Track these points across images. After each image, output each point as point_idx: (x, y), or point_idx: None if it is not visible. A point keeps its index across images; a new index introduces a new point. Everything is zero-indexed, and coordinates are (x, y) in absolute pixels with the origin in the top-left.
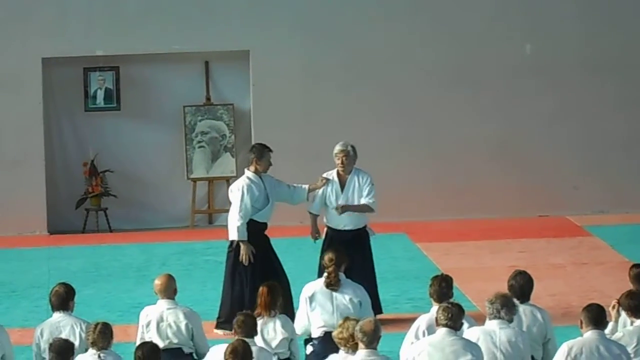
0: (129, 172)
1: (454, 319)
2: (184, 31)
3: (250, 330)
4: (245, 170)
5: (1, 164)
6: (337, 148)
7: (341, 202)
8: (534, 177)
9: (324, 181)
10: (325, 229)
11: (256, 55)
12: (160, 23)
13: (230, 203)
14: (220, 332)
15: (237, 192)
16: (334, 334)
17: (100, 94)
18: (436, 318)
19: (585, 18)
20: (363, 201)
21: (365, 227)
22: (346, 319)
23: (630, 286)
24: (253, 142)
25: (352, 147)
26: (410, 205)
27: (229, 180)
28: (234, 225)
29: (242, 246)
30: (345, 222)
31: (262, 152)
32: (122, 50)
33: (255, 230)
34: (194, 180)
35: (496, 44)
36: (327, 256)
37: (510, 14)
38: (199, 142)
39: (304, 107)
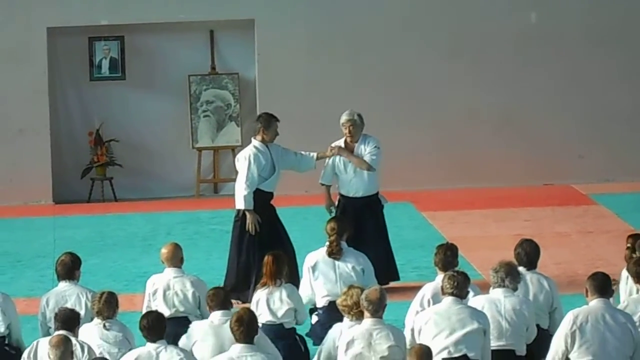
0: (134, 141)
1: (460, 287)
2: (189, 0)
3: (223, 303)
4: (252, 139)
5: (7, 134)
6: (344, 118)
7: (350, 169)
8: (539, 146)
9: (334, 150)
10: (338, 197)
11: (261, 24)
12: None
13: (236, 172)
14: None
15: (243, 161)
16: (337, 301)
17: (106, 64)
18: (442, 287)
19: None
20: (365, 158)
21: (377, 194)
22: (350, 286)
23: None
24: (258, 112)
25: (359, 115)
26: (416, 174)
27: (234, 150)
28: (240, 194)
29: (248, 215)
30: (357, 189)
31: (269, 122)
32: (127, 20)
33: (261, 199)
34: (199, 149)
35: (503, 13)
36: (329, 225)
37: None
38: (204, 111)
39: (309, 77)
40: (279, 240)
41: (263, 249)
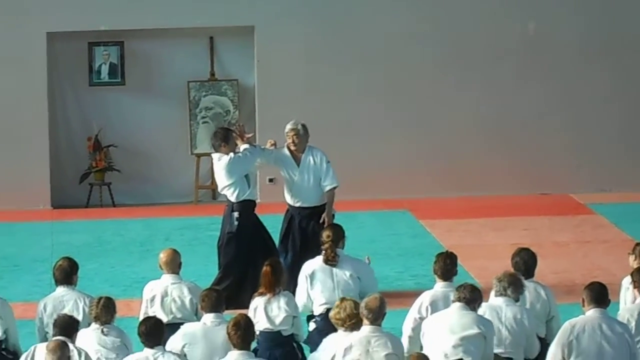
0: (133, 147)
1: (468, 295)
2: (189, 6)
3: (215, 305)
4: (213, 155)
5: (5, 138)
6: (288, 127)
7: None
8: (537, 154)
9: (272, 143)
10: (287, 207)
11: (261, 31)
12: None
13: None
14: None
15: (234, 160)
16: (330, 314)
17: (105, 69)
18: (454, 295)
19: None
20: (326, 187)
21: (324, 205)
22: (343, 299)
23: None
24: (257, 118)
25: (303, 125)
26: (414, 182)
27: None
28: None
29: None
30: (302, 199)
31: (227, 136)
32: (127, 25)
33: (251, 209)
34: (198, 155)
35: (501, 24)
36: (325, 233)
37: None
38: (203, 117)
39: (308, 83)
40: (266, 248)
41: (254, 258)
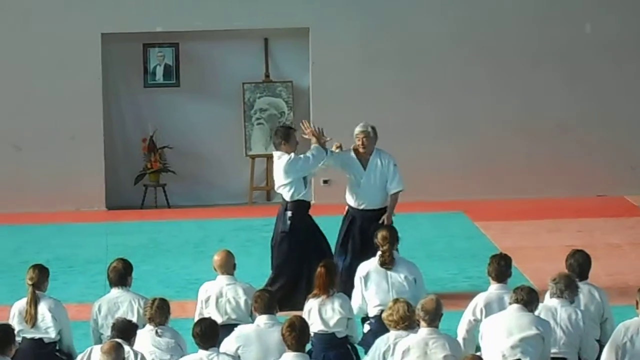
0: (188, 148)
1: (528, 298)
2: (244, 8)
3: (268, 306)
4: (274, 153)
5: (61, 139)
6: (357, 129)
7: (364, 181)
8: (593, 156)
9: (338, 145)
10: (347, 207)
11: (316, 32)
12: (220, 0)
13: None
14: None
15: (293, 163)
16: (383, 315)
17: (160, 70)
18: (511, 296)
19: None
20: (391, 190)
21: (386, 207)
22: (396, 300)
23: None
24: (312, 120)
25: (373, 128)
26: (469, 184)
27: None
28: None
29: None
30: (366, 201)
31: (288, 134)
32: (181, 27)
33: (305, 209)
34: (252, 157)
35: (559, 21)
36: (381, 234)
37: None
38: (258, 119)
39: (363, 85)
40: (320, 249)
41: (308, 259)
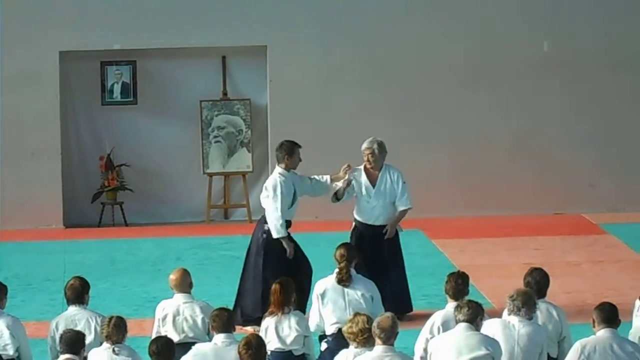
0: (145, 166)
1: (472, 314)
2: (202, 26)
3: (226, 325)
4: (277, 167)
5: (18, 157)
6: (364, 145)
7: (373, 196)
8: (550, 174)
9: (347, 169)
10: (353, 223)
11: (273, 50)
12: (178, 17)
13: (259, 199)
14: (250, 329)
15: (274, 189)
16: (343, 329)
17: (117, 88)
18: (455, 314)
19: (603, 15)
20: (399, 207)
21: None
22: (356, 314)
23: None
24: (270, 138)
25: (379, 144)
26: (426, 201)
27: (244, 176)
28: (277, 223)
29: (284, 243)
30: (377, 217)
31: (292, 149)
32: (139, 45)
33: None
34: (210, 175)
35: (514, 41)
36: (339, 252)
37: (530, 11)
38: (216, 137)
39: (321, 103)
40: (301, 268)
41: (281, 276)
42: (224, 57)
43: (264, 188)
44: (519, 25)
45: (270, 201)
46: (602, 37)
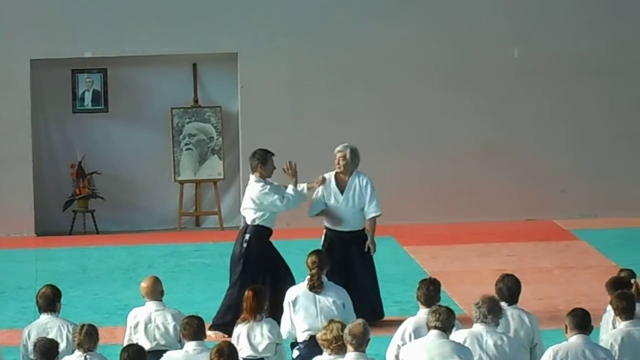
0: (117, 174)
1: (445, 321)
2: (173, 33)
3: (196, 333)
4: (251, 176)
5: None
6: (337, 149)
7: (342, 202)
8: (522, 180)
9: (320, 181)
10: (324, 230)
11: (244, 57)
12: (149, 25)
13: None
14: (212, 334)
15: (265, 194)
16: (317, 335)
17: (88, 96)
18: (427, 321)
19: (575, 20)
20: (369, 214)
21: (364, 229)
22: (331, 321)
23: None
24: (241, 145)
25: (352, 150)
26: (398, 208)
27: (216, 183)
28: (290, 202)
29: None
30: (344, 223)
31: (265, 157)
32: (110, 52)
33: (263, 236)
34: (181, 182)
35: (487, 46)
36: (310, 258)
37: (501, 16)
38: (187, 144)
39: (292, 110)
40: (282, 277)
41: (266, 284)
42: (194, 65)
43: (248, 199)
44: (491, 31)
45: (273, 198)
46: (574, 43)
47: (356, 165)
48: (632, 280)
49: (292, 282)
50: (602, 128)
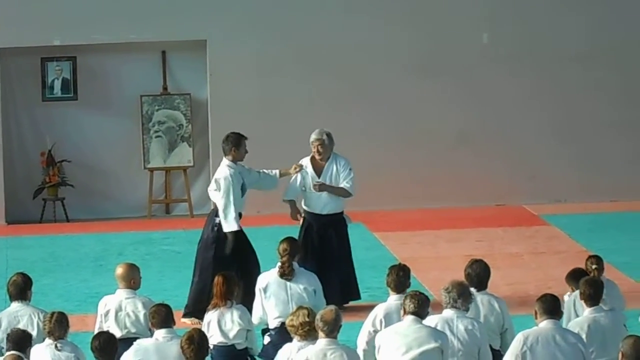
0: (86, 162)
1: (421, 306)
2: (141, 21)
3: (165, 320)
4: (224, 159)
5: None
6: (313, 137)
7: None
8: (492, 166)
9: (297, 168)
10: (302, 212)
11: (213, 44)
12: (118, 13)
13: (207, 194)
14: (187, 320)
15: (225, 182)
16: (286, 322)
17: (58, 84)
18: (403, 306)
19: (545, 6)
20: (341, 185)
21: (342, 212)
22: (298, 307)
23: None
24: (210, 132)
25: (328, 134)
26: (368, 194)
27: (185, 170)
28: (231, 217)
29: (232, 237)
30: (323, 206)
31: (238, 141)
32: (79, 40)
33: None
34: (151, 170)
35: (456, 33)
36: (281, 246)
37: (470, 2)
38: (156, 131)
39: (262, 96)
40: (251, 261)
41: (237, 270)
42: (163, 52)
43: (213, 181)
44: (460, 18)
45: (221, 194)
46: (543, 28)
47: (332, 148)
48: (593, 267)
49: (258, 270)
50: (572, 114)
